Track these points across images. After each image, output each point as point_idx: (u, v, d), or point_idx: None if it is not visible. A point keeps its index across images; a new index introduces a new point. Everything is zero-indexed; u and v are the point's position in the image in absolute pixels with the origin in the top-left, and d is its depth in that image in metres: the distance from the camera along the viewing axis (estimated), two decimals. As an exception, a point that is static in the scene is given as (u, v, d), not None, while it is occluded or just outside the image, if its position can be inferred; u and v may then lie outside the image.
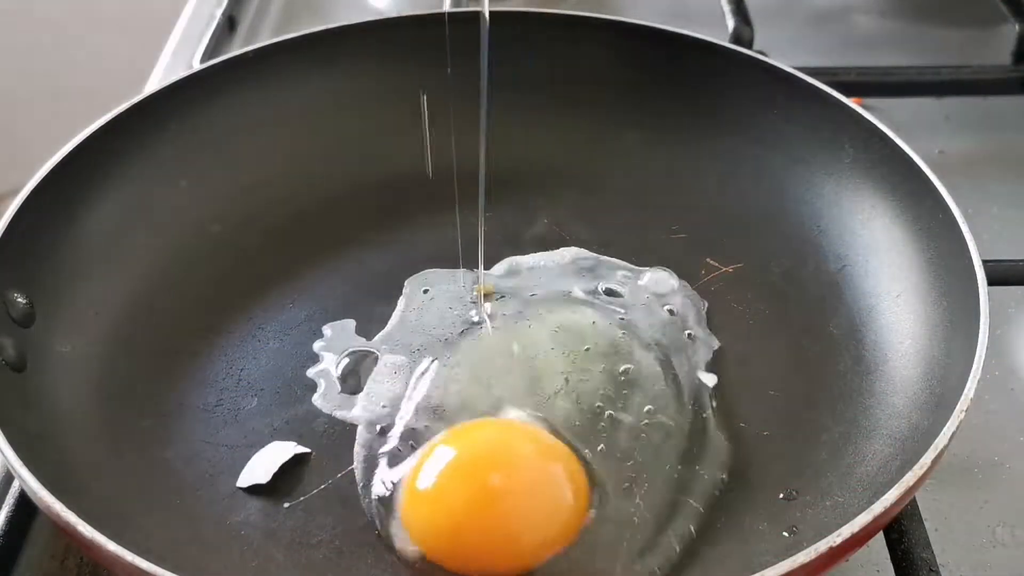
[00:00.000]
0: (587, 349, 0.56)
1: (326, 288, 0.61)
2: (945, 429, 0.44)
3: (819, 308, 0.58)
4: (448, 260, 0.62)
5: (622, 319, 0.58)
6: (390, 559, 0.47)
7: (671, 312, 0.59)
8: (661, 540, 0.48)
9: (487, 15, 0.50)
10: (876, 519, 0.41)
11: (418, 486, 0.49)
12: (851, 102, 0.60)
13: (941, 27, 0.90)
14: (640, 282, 0.60)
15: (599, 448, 0.51)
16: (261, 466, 0.51)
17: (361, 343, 0.57)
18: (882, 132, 0.58)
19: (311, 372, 0.56)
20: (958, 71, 0.76)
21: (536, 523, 0.48)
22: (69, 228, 0.56)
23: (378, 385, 0.55)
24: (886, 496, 0.42)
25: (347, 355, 0.57)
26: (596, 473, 0.50)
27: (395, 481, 0.50)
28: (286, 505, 0.50)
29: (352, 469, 0.51)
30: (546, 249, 0.63)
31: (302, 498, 0.50)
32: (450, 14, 0.72)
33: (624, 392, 0.54)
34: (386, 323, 0.58)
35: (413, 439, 0.52)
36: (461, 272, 0.61)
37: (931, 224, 0.55)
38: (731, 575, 0.46)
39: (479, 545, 0.47)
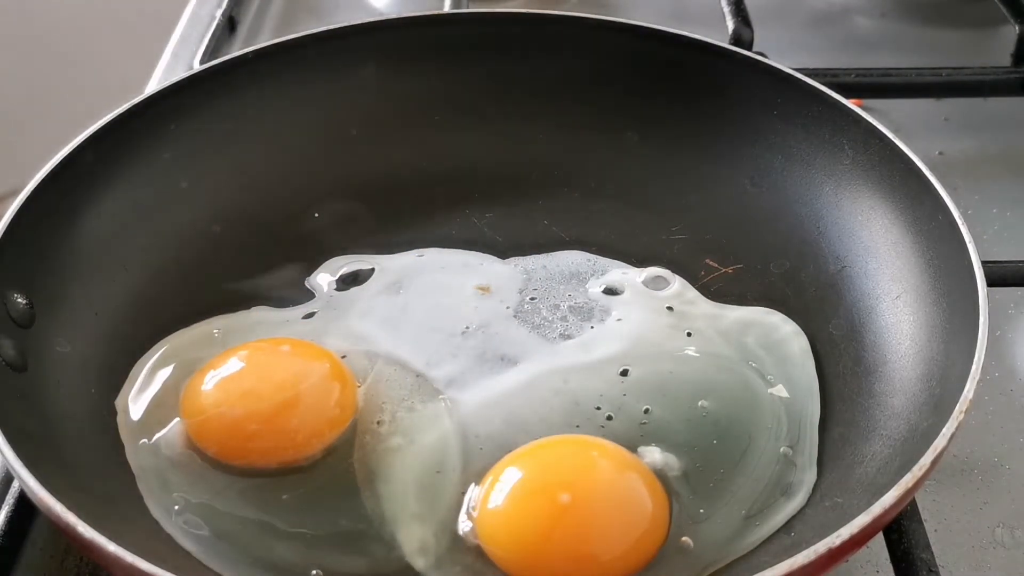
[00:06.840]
0: (587, 354, 0.56)
1: (326, 288, 0.60)
2: (944, 430, 0.44)
3: (819, 309, 0.58)
4: (448, 261, 0.62)
5: (621, 319, 0.58)
6: (391, 555, 0.47)
7: (670, 310, 0.59)
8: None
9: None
10: (875, 520, 0.41)
11: (506, 499, 0.48)
12: (851, 103, 0.60)
13: (941, 28, 0.90)
14: (640, 281, 0.60)
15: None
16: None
17: (362, 344, 0.57)
18: (881, 133, 0.58)
19: (311, 372, 0.56)
20: (958, 72, 0.76)
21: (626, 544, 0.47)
22: (69, 228, 0.56)
23: (377, 385, 0.55)
24: (885, 497, 0.42)
25: (346, 356, 0.57)
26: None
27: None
28: (284, 497, 0.50)
29: (352, 464, 0.51)
30: (546, 250, 0.63)
31: (301, 492, 0.50)
32: (450, 15, 0.73)
33: (624, 395, 0.54)
34: (386, 323, 0.58)
35: (412, 436, 0.52)
36: (461, 273, 0.61)
37: (930, 225, 0.55)
38: (731, 576, 0.46)
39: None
